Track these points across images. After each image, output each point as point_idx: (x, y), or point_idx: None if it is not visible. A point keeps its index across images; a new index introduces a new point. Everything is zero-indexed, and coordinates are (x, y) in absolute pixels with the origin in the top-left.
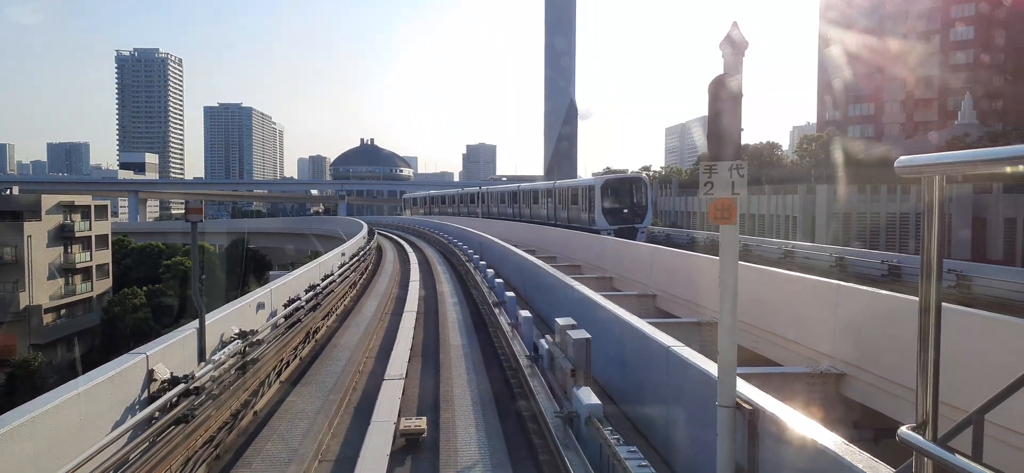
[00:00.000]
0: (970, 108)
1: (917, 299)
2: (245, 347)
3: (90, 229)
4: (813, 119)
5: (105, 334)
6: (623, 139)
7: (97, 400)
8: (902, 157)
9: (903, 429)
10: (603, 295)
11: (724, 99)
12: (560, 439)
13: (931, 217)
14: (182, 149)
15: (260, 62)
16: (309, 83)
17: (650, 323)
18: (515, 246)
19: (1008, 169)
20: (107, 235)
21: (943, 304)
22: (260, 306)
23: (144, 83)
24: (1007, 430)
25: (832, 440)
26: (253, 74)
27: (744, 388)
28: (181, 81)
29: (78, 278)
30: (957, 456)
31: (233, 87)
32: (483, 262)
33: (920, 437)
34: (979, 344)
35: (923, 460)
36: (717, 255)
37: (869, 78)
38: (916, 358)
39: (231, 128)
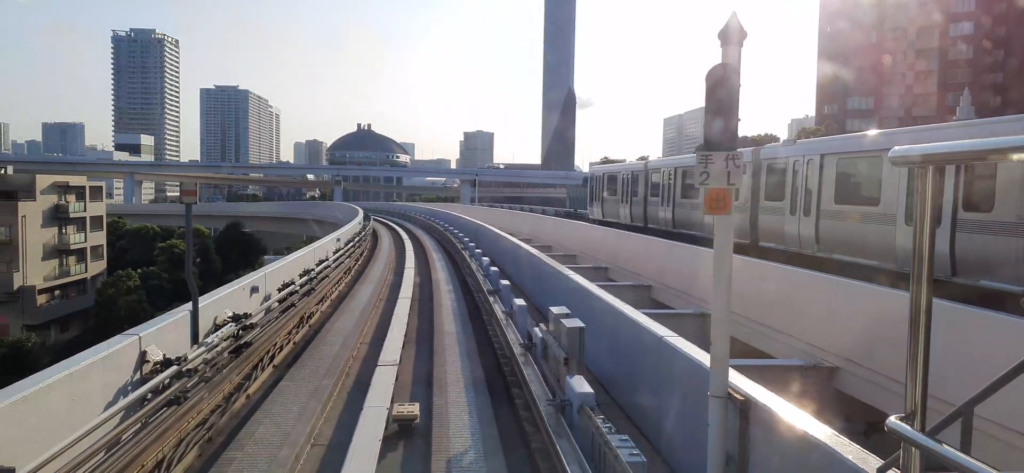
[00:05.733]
0: (969, 103)
1: (907, 293)
2: (238, 330)
3: (85, 210)
4: (812, 112)
5: (99, 316)
6: (621, 130)
7: (89, 381)
8: (895, 148)
9: (891, 419)
10: (598, 285)
11: (721, 89)
12: (552, 427)
13: (924, 207)
14: (178, 131)
15: (257, 45)
16: (306, 67)
17: (644, 313)
18: (510, 235)
19: (994, 159)
20: (102, 216)
21: (934, 299)
22: (254, 290)
23: (140, 64)
24: (995, 424)
25: (823, 432)
26: (250, 57)
27: (736, 379)
28: (177, 62)
29: (72, 259)
30: (945, 447)
31: (229, 69)
32: (479, 250)
33: (908, 427)
34: (970, 338)
35: (911, 450)
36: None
37: (868, 72)
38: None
39: (227, 111)
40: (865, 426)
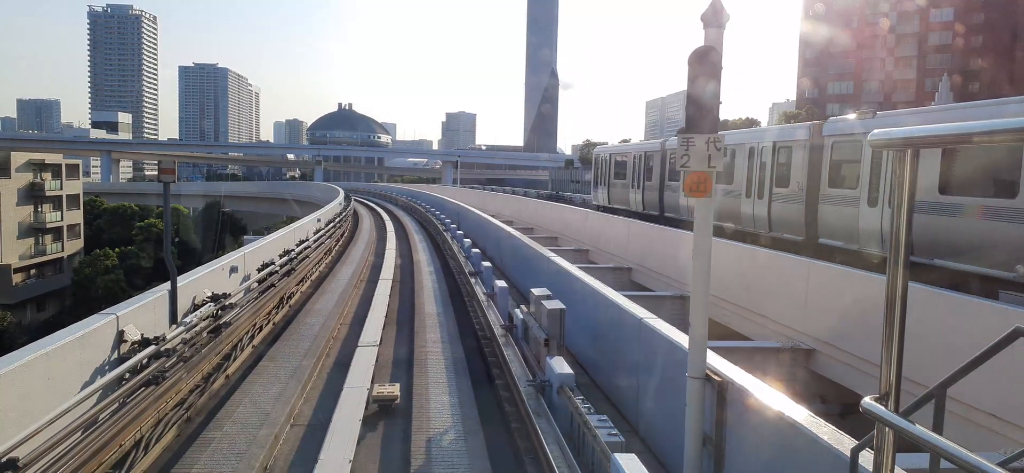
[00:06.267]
0: (947, 89)
1: (884, 279)
2: (217, 310)
3: (61, 188)
4: (793, 96)
5: (76, 295)
6: (604, 112)
7: (65, 360)
8: (876, 130)
9: (866, 400)
10: (579, 267)
11: (703, 72)
12: (532, 407)
13: (901, 191)
14: (156, 109)
15: (237, 22)
16: (287, 45)
17: (624, 295)
18: (492, 216)
19: (976, 141)
20: (79, 195)
21: (910, 282)
22: (233, 270)
23: (117, 40)
24: (967, 406)
25: (798, 413)
26: (230, 34)
27: (714, 360)
28: (155, 39)
29: (49, 238)
30: (918, 427)
31: (209, 47)
32: (460, 232)
33: (882, 408)
34: (944, 322)
35: (884, 431)
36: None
37: (849, 57)
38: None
39: (206, 89)
40: (840, 408)
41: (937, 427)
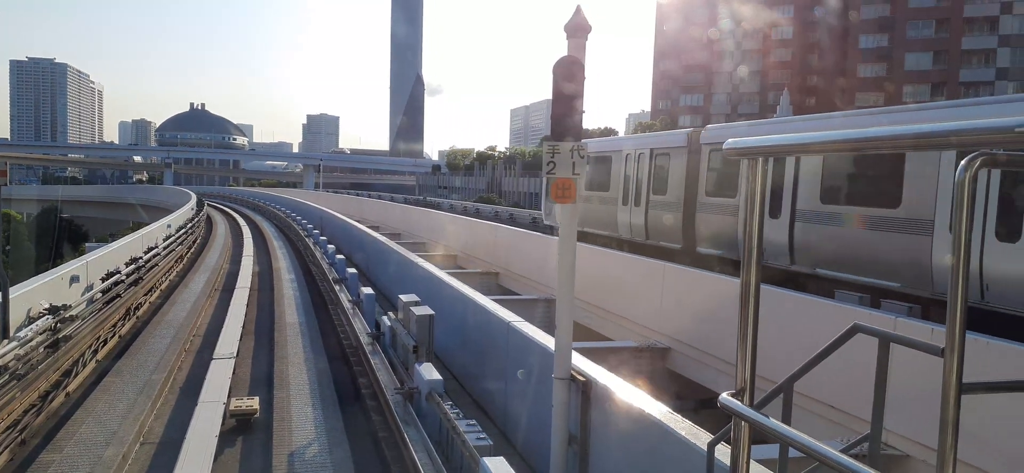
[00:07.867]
0: (788, 102)
1: (732, 280)
2: (56, 323)
3: None
4: (648, 107)
5: None
6: (470, 119)
7: None
8: (730, 139)
9: (723, 396)
10: (448, 272)
11: (567, 82)
12: (400, 415)
13: (754, 197)
14: None
15: (76, 14)
16: (132, 40)
17: (493, 300)
18: (358, 222)
19: (819, 151)
20: None
21: (761, 285)
22: (74, 279)
23: None
24: (810, 399)
25: (658, 409)
26: (68, 27)
27: (579, 361)
28: None
29: None
30: (771, 420)
31: (45, 41)
32: (324, 238)
33: (739, 403)
34: (791, 321)
35: (741, 424)
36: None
37: (699, 71)
38: (736, 333)
39: (42, 85)
40: (694, 403)
41: (785, 418)
